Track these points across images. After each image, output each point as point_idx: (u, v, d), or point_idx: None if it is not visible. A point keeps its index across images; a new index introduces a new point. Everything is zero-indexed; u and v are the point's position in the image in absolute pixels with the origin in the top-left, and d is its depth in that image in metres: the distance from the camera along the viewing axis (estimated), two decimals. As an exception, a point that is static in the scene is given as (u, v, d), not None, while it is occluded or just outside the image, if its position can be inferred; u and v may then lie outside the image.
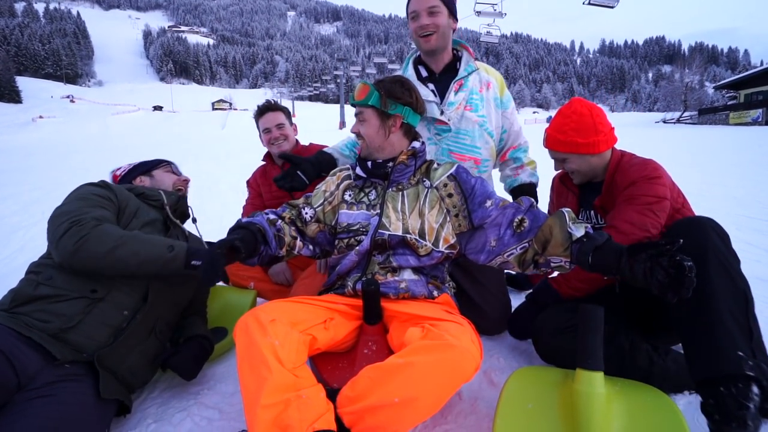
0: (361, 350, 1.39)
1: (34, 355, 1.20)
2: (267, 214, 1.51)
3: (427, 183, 1.52)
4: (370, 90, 1.50)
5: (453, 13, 1.87)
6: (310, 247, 1.57)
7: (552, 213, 1.36)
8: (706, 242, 1.21)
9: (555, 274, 1.49)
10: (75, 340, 1.28)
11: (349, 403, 1.07)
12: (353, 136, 1.62)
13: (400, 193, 1.51)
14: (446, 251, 1.48)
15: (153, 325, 1.47)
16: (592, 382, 1.12)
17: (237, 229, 1.39)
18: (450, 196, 1.48)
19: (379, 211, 1.49)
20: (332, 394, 1.13)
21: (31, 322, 1.26)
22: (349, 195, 1.56)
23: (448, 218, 1.48)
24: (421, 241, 1.45)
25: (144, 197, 1.65)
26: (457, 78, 1.87)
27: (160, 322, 1.50)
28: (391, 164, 1.52)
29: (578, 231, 1.26)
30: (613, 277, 1.19)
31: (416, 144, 1.55)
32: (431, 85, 1.90)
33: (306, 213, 1.55)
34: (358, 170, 1.58)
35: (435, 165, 1.57)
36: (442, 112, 1.85)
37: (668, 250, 1.06)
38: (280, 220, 1.51)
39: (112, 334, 1.34)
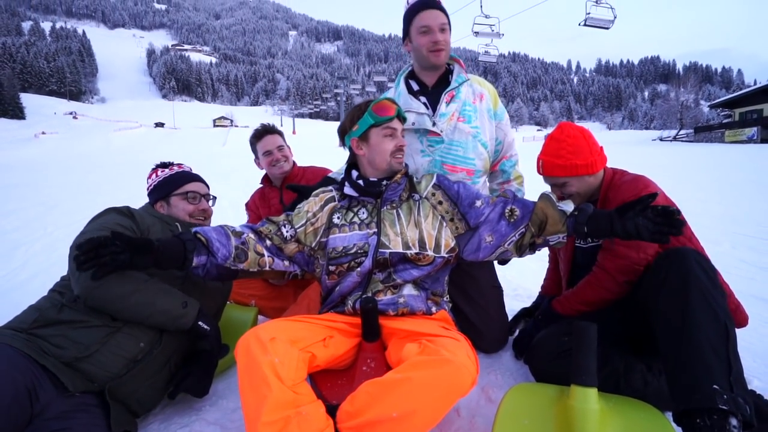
0: (360, 367, 1.41)
1: (48, 385, 1.22)
2: (236, 228, 1.50)
3: (416, 196, 1.57)
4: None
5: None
6: (285, 262, 1.54)
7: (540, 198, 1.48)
8: (688, 274, 1.23)
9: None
10: (88, 369, 1.30)
11: (349, 418, 1.10)
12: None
13: (395, 210, 1.53)
14: (447, 255, 1.52)
15: (169, 357, 1.48)
16: (587, 398, 1.14)
17: (175, 236, 1.37)
18: (440, 203, 1.54)
19: (375, 229, 1.50)
20: (332, 410, 1.15)
21: (47, 348, 1.28)
22: (338, 217, 1.55)
23: (444, 223, 1.52)
24: (423, 251, 1.48)
25: (165, 223, 1.66)
26: (448, 89, 1.89)
27: (176, 355, 1.52)
28: (385, 182, 1.54)
29: (568, 207, 1.43)
30: (609, 239, 1.31)
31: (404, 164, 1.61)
32: (423, 98, 1.92)
33: (286, 231, 1.54)
34: (348, 189, 1.57)
35: (416, 179, 1.62)
36: (434, 124, 1.87)
37: (649, 203, 1.25)
38: (251, 234, 1.49)
39: (125, 366, 1.35)
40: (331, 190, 1.63)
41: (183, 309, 1.43)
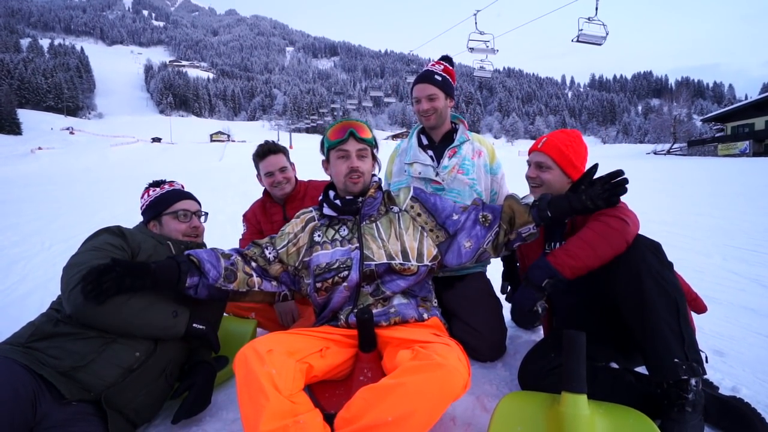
0: (357, 377, 1.44)
1: (46, 394, 1.25)
2: (224, 250, 1.59)
3: (395, 209, 1.64)
4: (371, 129, 1.63)
5: (449, 95, 2.18)
6: (273, 283, 1.62)
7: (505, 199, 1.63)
8: (639, 262, 1.37)
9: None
10: (84, 379, 1.32)
11: (346, 424, 1.12)
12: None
13: (374, 223, 1.59)
14: (430, 263, 1.58)
15: (164, 366, 1.51)
16: (577, 404, 1.18)
17: (170, 258, 1.47)
18: (419, 215, 1.62)
19: (357, 244, 1.55)
20: (330, 419, 1.18)
21: (43, 359, 1.30)
22: (319, 235, 1.61)
23: (425, 234, 1.60)
24: (406, 263, 1.54)
25: (156, 241, 1.69)
26: (451, 146, 2.18)
27: (172, 364, 1.54)
28: (361, 199, 1.59)
29: (529, 200, 1.60)
30: (570, 217, 1.55)
31: (376, 177, 1.68)
32: (430, 152, 2.20)
33: (269, 253, 1.61)
34: (327, 210, 1.62)
35: (394, 192, 1.70)
36: (437, 174, 2.13)
37: (593, 175, 1.46)
38: (238, 256, 1.58)
39: (121, 375, 1.38)
40: (311, 211, 1.70)
41: (174, 318, 1.47)
